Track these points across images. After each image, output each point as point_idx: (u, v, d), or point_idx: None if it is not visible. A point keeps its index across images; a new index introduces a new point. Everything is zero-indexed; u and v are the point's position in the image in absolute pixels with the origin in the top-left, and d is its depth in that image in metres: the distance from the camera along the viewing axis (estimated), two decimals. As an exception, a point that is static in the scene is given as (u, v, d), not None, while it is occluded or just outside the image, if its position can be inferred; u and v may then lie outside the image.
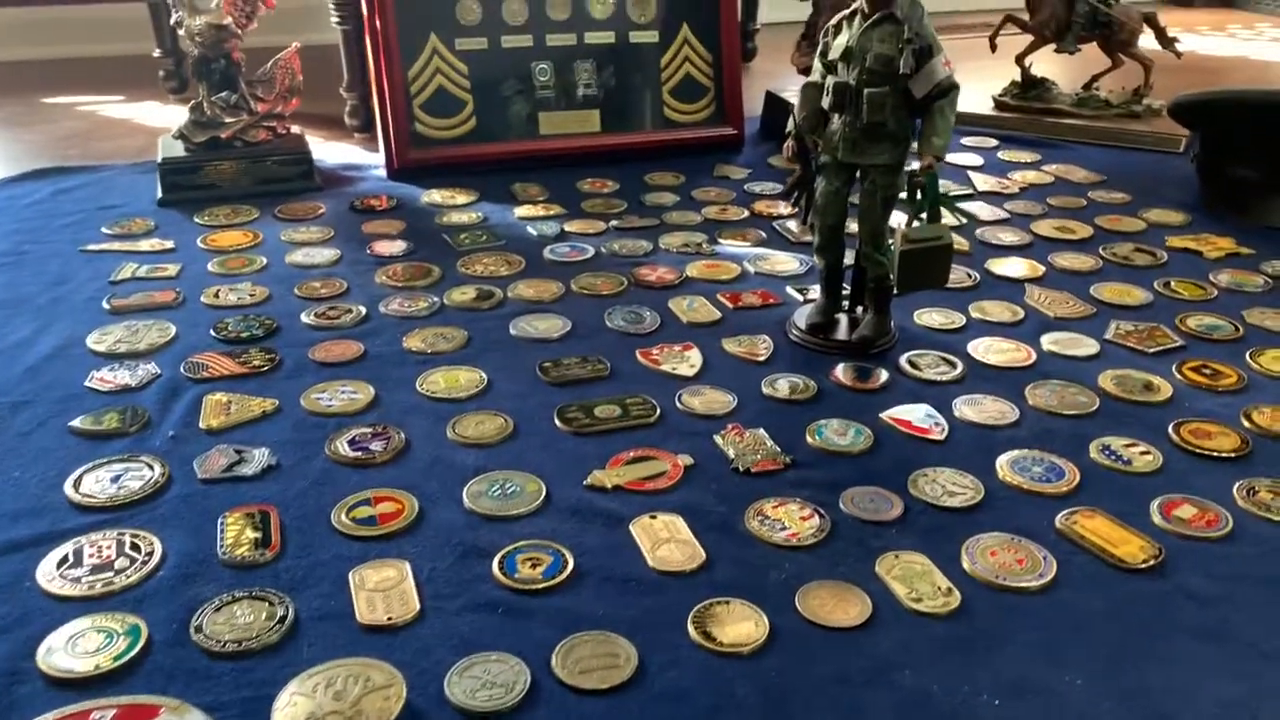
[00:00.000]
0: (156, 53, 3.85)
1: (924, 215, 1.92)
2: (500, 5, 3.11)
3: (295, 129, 3.08)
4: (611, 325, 2.18)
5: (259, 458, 1.70)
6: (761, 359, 2.05)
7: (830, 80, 1.94)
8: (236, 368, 1.98)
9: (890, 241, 2.00)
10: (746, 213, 2.83)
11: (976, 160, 3.29)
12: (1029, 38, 3.62)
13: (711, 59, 3.32)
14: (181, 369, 1.97)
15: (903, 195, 1.95)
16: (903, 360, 2.03)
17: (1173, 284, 2.38)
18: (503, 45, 3.13)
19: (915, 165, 1.90)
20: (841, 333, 2.12)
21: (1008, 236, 2.66)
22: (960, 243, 2.51)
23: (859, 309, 2.17)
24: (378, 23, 2.98)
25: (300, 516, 1.55)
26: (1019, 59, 3.62)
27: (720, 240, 2.64)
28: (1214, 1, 6.14)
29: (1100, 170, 3.17)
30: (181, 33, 2.84)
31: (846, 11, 1.95)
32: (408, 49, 3.04)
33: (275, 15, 2.98)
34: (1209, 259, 2.53)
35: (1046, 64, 3.68)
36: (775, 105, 3.56)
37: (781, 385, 1.95)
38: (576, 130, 3.21)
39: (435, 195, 2.93)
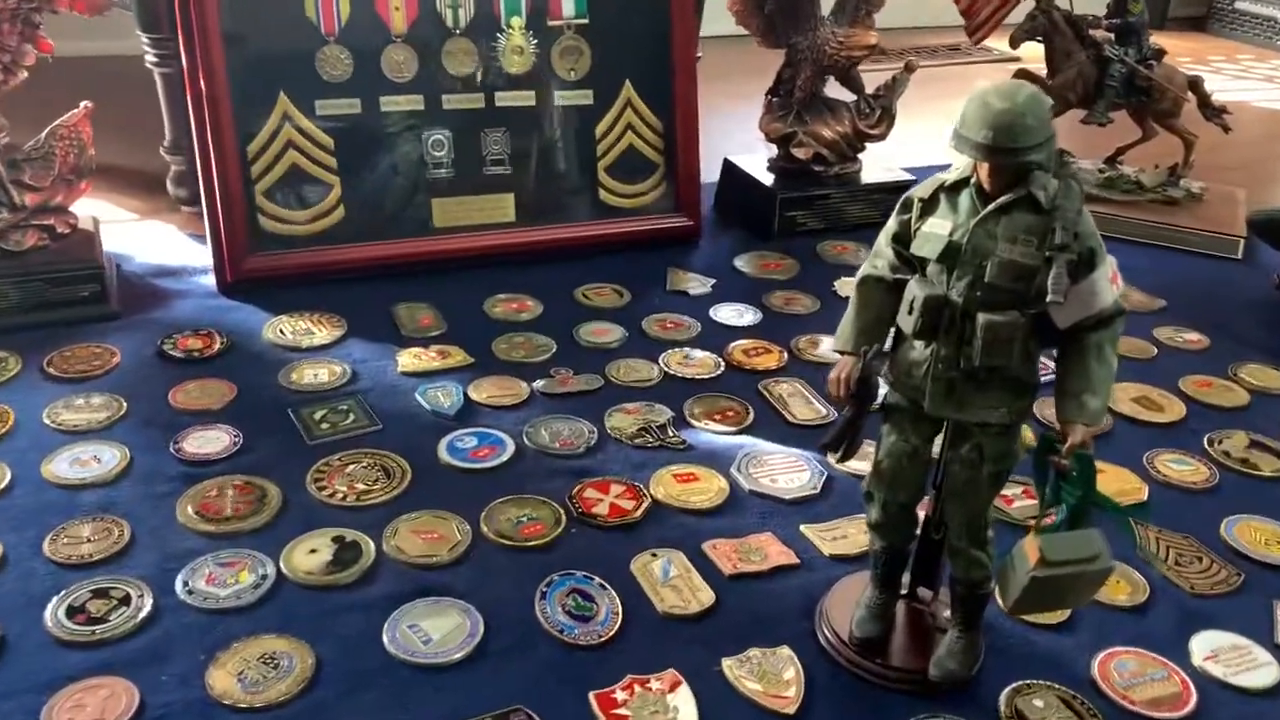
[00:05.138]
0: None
1: (1059, 511, 1.19)
2: (379, 55, 2.26)
3: (87, 218, 2.19)
4: (547, 624, 1.40)
5: None
6: (790, 710, 1.29)
7: (917, 290, 1.18)
8: (-99, 767, 1.14)
9: (990, 540, 1.28)
10: (720, 364, 2.07)
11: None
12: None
13: (662, 126, 2.53)
14: None
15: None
16: (1003, 705, 1.31)
17: (1325, 517, 1.71)
18: (382, 109, 2.28)
19: (1035, 435, 1.18)
20: (899, 648, 1.38)
21: (1077, 414, 1.95)
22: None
23: (920, 590, 1.45)
24: (202, 82, 2.10)
25: None
26: (1034, 126, 2.92)
27: (692, 420, 1.88)
28: (1184, 25, 5.58)
29: (1154, 287, 2.49)
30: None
31: (946, 178, 1.20)
32: (247, 114, 2.17)
33: (63, 20, 2.07)
34: (1347, 459, 1.87)
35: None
36: (735, 179, 2.80)
37: (827, 772, 1.21)
38: (484, 221, 2.39)
39: (284, 328, 2.08)
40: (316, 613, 1.40)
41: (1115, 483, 1.76)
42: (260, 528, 1.54)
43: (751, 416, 1.90)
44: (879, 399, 1.28)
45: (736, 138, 3.11)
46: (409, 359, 2.00)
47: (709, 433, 1.85)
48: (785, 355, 2.11)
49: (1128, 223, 2.78)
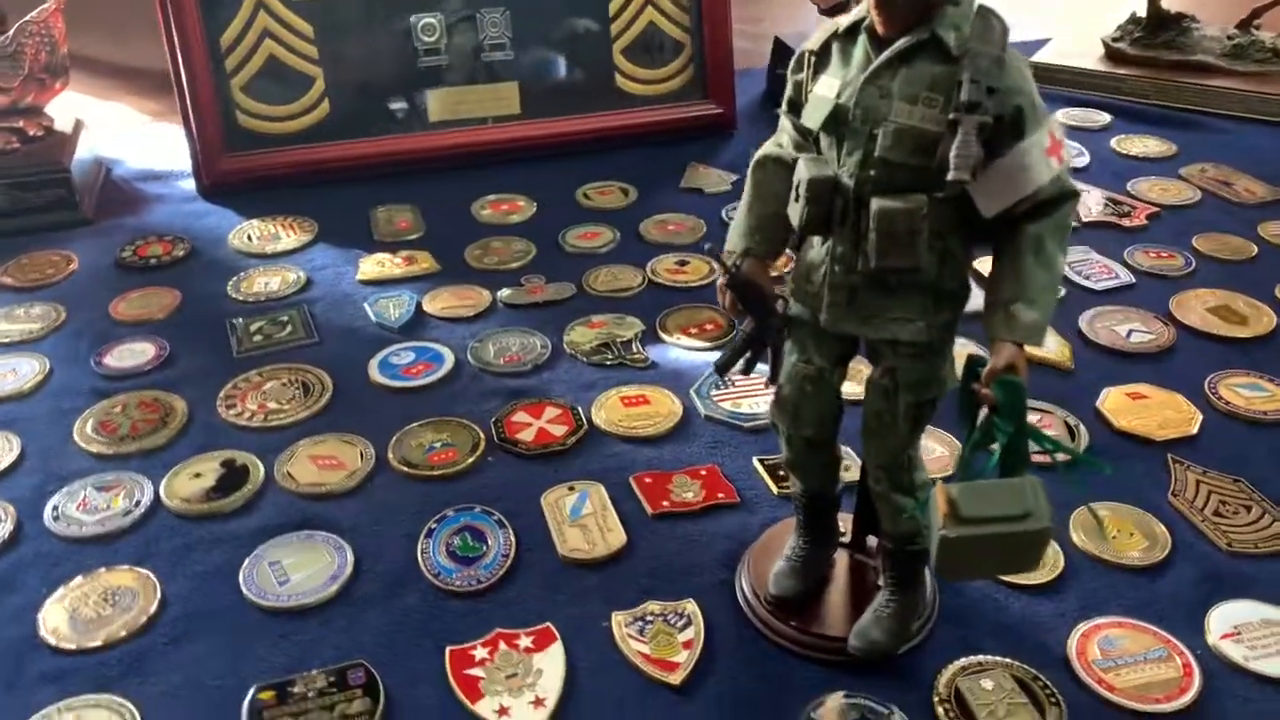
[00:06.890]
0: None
1: (988, 454, 0.92)
2: (357, -71, 2.07)
3: (68, 120, 2.10)
4: (424, 567, 1.23)
5: None
6: (676, 680, 1.08)
7: (803, 171, 0.92)
8: None
9: (919, 484, 1.02)
10: (716, 268, 1.82)
11: (1076, 149, 2.22)
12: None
13: (688, 0, 2.25)
14: None
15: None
16: (942, 685, 1.06)
17: None
18: (365, -10, 2.10)
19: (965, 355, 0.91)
20: (829, 610, 1.15)
21: (1130, 323, 1.63)
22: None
23: (869, 540, 1.20)
24: (160, -36, 1.96)
25: None
26: (1146, -14, 2.49)
27: (662, 334, 1.65)
28: None
29: (1274, 174, 2.08)
30: None
31: (841, 22, 0.92)
32: (217, 2, 2.02)
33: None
34: None
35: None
36: (786, 60, 2.48)
37: (703, 757, 1.00)
38: (484, 114, 2.18)
39: (252, 233, 1.95)
40: (181, 545, 1.27)
41: (1161, 411, 1.44)
42: (155, 449, 1.42)
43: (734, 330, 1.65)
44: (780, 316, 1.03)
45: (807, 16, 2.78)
46: (371, 266, 1.84)
47: (679, 349, 1.62)
48: (793, 260, 1.84)
49: (1259, 99, 2.35)
